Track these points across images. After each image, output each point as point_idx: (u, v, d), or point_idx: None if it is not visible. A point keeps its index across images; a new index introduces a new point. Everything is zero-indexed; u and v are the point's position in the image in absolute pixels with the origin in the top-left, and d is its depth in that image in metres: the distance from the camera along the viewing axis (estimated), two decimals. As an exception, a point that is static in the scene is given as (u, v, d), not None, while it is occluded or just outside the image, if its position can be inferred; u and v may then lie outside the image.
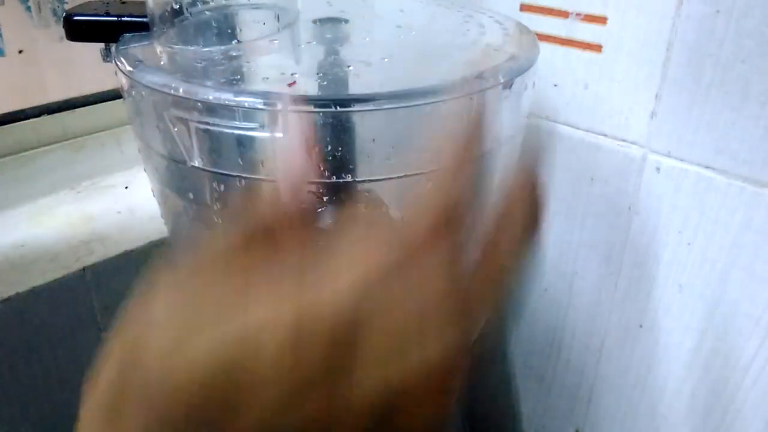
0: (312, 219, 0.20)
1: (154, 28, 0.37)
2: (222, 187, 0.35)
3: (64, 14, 0.39)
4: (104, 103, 0.70)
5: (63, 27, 0.39)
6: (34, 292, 0.52)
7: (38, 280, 0.53)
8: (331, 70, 0.36)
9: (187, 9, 0.37)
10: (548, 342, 0.63)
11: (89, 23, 0.38)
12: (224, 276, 0.18)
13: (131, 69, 0.34)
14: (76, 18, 0.38)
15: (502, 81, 0.33)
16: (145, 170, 0.40)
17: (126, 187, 0.68)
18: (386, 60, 0.37)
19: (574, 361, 0.61)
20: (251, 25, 0.40)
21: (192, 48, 0.37)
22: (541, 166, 0.21)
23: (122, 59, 0.35)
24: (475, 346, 0.18)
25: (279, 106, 0.30)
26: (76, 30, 0.38)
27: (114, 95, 0.70)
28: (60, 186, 0.67)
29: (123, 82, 0.35)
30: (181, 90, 0.31)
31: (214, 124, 0.32)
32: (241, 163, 0.33)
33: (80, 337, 0.57)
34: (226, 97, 0.30)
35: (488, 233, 0.20)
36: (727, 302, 0.47)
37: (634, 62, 0.47)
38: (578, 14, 0.49)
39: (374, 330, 0.17)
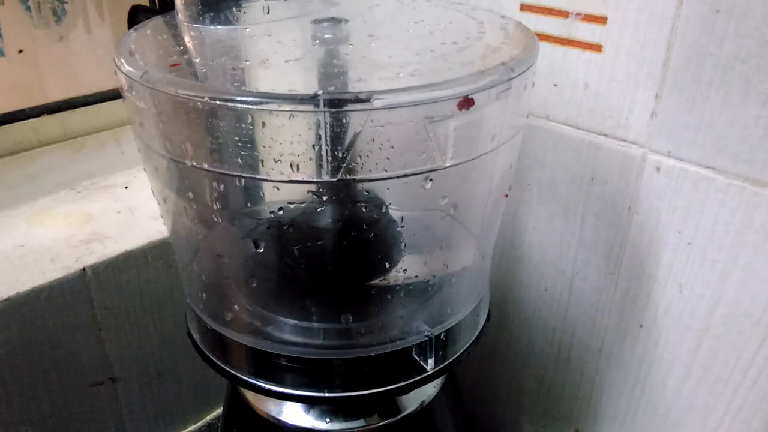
0: None
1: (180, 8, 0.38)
2: (222, 187, 0.35)
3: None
4: (104, 103, 0.70)
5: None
6: (34, 292, 0.52)
7: (38, 280, 0.53)
8: (331, 69, 0.36)
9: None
10: (548, 342, 0.63)
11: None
12: None
13: (131, 69, 0.34)
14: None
15: (501, 81, 0.33)
16: (145, 170, 0.40)
17: (126, 187, 0.68)
18: (386, 60, 0.37)
19: (574, 361, 0.61)
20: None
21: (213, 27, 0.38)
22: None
23: (122, 58, 0.35)
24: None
25: (278, 107, 0.30)
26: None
27: (114, 95, 0.70)
28: (60, 186, 0.67)
29: (123, 82, 0.35)
30: (181, 90, 0.31)
31: (214, 124, 0.32)
32: (241, 162, 0.33)
33: (80, 337, 0.57)
34: (226, 96, 0.30)
35: None
36: (727, 302, 0.47)
37: (634, 62, 0.47)
38: (578, 14, 0.49)
39: None
